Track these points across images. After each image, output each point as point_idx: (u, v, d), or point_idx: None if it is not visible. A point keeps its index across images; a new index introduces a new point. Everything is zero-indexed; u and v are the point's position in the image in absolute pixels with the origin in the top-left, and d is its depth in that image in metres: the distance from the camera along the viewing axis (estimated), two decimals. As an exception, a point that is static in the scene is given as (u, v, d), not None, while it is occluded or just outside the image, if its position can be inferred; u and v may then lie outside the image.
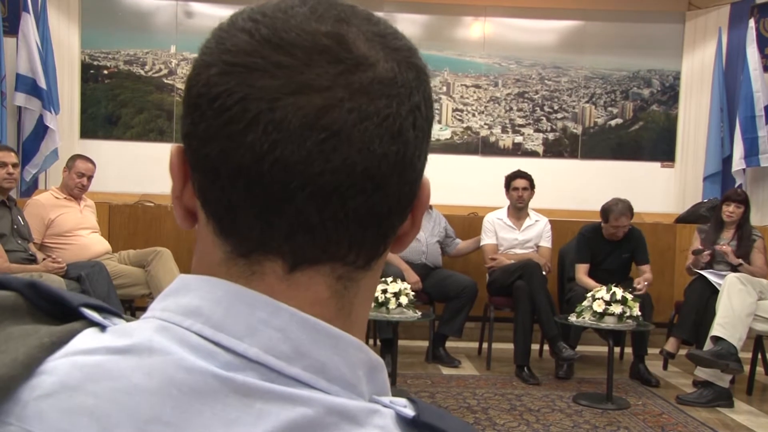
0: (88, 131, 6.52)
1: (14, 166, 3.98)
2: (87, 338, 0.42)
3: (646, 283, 4.36)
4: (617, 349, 4.70)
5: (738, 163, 5.95)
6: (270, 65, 0.41)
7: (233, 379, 0.39)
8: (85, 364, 0.40)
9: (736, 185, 5.83)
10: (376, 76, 0.42)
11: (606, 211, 4.48)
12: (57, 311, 0.45)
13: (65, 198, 4.30)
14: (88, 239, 4.26)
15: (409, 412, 0.42)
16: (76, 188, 4.29)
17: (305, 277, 0.43)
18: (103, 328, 0.43)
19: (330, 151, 0.40)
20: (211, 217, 0.44)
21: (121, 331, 0.42)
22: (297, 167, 0.41)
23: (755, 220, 5.56)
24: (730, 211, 4.48)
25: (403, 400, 0.43)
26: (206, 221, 0.45)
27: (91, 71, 6.55)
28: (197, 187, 0.44)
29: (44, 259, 3.98)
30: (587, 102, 6.92)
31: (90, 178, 4.35)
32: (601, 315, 3.80)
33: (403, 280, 3.97)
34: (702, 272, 4.41)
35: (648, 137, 6.94)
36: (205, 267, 0.45)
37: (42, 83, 5.55)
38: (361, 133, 0.41)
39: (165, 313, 0.42)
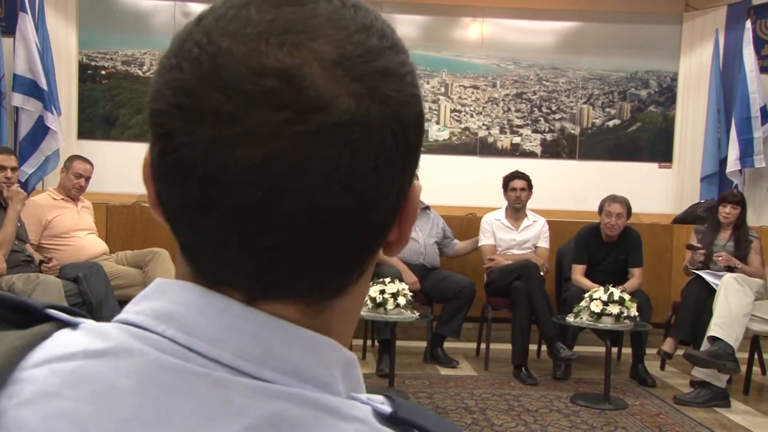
0: (85, 132, 6.52)
1: (13, 170, 3.97)
2: (62, 341, 0.41)
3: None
4: (615, 350, 4.71)
5: (733, 164, 5.96)
6: (208, 111, 0.38)
7: (211, 376, 0.39)
8: (62, 370, 0.39)
9: (732, 186, 5.85)
10: (327, 121, 0.37)
11: (602, 201, 4.52)
12: (21, 320, 0.44)
13: (63, 199, 4.29)
14: (85, 240, 4.26)
15: (387, 408, 0.42)
16: (73, 189, 4.29)
17: (268, 306, 0.42)
18: (74, 326, 0.43)
19: (271, 207, 0.38)
20: (175, 238, 0.44)
21: (96, 332, 0.42)
22: (236, 220, 0.39)
23: (752, 220, 5.57)
24: (726, 212, 4.50)
25: (380, 397, 0.43)
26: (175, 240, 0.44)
27: (89, 72, 6.54)
28: (161, 206, 0.44)
29: (41, 261, 3.98)
30: (585, 103, 6.93)
31: (88, 179, 4.35)
32: (599, 315, 3.81)
33: (401, 280, 3.97)
34: (699, 272, 4.42)
35: (645, 138, 6.95)
36: (180, 275, 0.45)
37: (43, 84, 5.54)
38: (305, 185, 0.38)
39: (139, 317, 0.42)
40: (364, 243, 0.42)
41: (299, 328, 0.42)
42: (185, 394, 0.38)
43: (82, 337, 0.41)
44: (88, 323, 0.43)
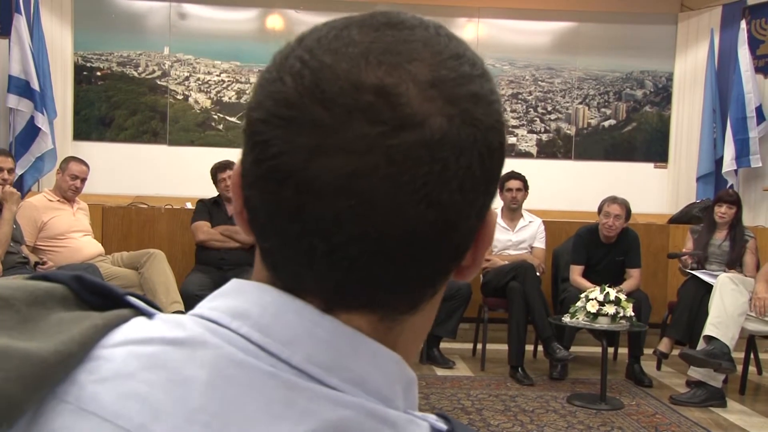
0: (81, 133, 6.51)
1: (9, 171, 3.96)
2: (140, 327, 0.44)
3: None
4: (611, 350, 4.72)
5: (729, 164, 5.98)
6: (308, 122, 0.39)
7: (279, 376, 0.40)
8: (141, 353, 0.41)
9: (728, 186, 5.86)
10: (420, 138, 0.39)
11: (602, 202, 4.54)
12: (102, 304, 0.46)
13: (58, 200, 4.28)
14: (80, 242, 4.25)
15: (443, 426, 0.43)
16: (69, 190, 4.28)
17: (344, 316, 0.43)
18: (149, 316, 0.45)
19: (360, 216, 0.39)
20: (257, 244, 0.45)
21: (173, 322, 0.43)
22: (325, 229, 0.40)
23: (747, 220, 5.58)
24: (722, 212, 4.51)
25: (433, 416, 0.44)
26: (257, 245, 0.46)
27: (84, 73, 6.53)
28: (247, 214, 0.45)
29: (36, 263, 3.97)
30: (581, 103, 6.94)
31: (83, 180, 4.34)
32: (595, 315, 3.81)
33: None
34: (694, 272, 4.43)
35: (641, 138, 6.96)
36: (257, 279, 0.46)
37: (35, 85, 5.52)
38: (393, 201, 0.39)
39: (214, 313, 0.43)
40: (442, 262, 0.44)
41: (370, 340, 0.43)
42: (253, 391, 0.39)
43: (160, 325, 0.44)
44: (163, 314, 0.46)
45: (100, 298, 0.47)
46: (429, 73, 0.40)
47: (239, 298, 0.43)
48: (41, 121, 5.56)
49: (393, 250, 0.41)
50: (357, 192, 0.39)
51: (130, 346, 0.42)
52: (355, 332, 0.42)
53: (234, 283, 0.45)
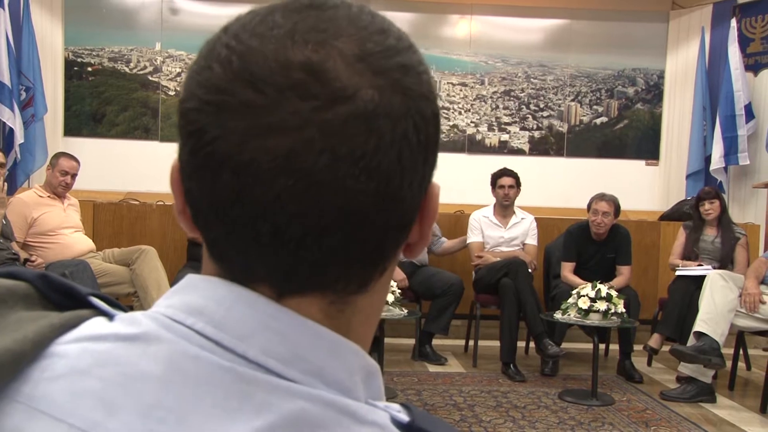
0: (72, 129, 6.47)
1: (0, 166, 3.94)
2: (96, 325, 0.43)
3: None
4: (602, 346, 4.74)
5: (718, 161, 6.01)
6: (240, 105, 0.39)
7: (236, 370, 0.40)
8: (94, 350, 0.41)
9: (717, 183, 5.90)
10: (353, 110, 0.39)
11: (590, 199, 4.55)
12: (66, 303, 0.46)
13: (49, 196, 4.26)
14: (71, 238, 4.23)
15: (404, 416, 0.43)
16: (59, 186, 4.26)
17: (294, 302, 0.43)
18: (110, 317, 0.45)
19: (300, 193, 0.39)
20: (203, 240, 0.45)
21: (129, 320, 0.43)
22: (267, 210, 0.40)
23: (737, 217, 5.62)
24: (705, 209, 4.55)
25: (396, 405, 0.44)
26: (203, 241, 0.45)
27: (75, 68, 6.50)
28: (189, 210, 0.45)
29: (26, 260, 3.95)
30: (573, 100, 6.95)
31: (74, 176, 4.32)
32: (586, 312, 3.83)
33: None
34: (683, 271, 4.46)
35: (633, 135, 6.99)
36: (207, 274, 0.46)
37: (5, 79, 5.39)
38: (333, 174, 0.39)
39: (169, 310, 0.43)
40: (388, 236, 0.43)
41: (326, 330, 0.43)
42: (210, 386, 0.39)
43: (116, 323, 0.43)
44: (122, 314, 0.45)
45: (64, 298, 0.46)
46: (356, 47, 0.40)
47: (194, 294, 0.43)
48: (7, 115, 5.42)
49: (337, 226, 0.40)
50: (295, 169, 0.39)
51: (84, 342, 0.41)
52: (312, 323, 0.42)
53: (188, 279, 0.45)
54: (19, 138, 5.50)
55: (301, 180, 0.39)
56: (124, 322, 0.43)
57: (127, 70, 6.56)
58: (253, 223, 0.40)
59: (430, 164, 0.44)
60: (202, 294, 0.43)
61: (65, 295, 0.46)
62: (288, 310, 0.42)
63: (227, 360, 0.40)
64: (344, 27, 0.41)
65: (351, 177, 0.40)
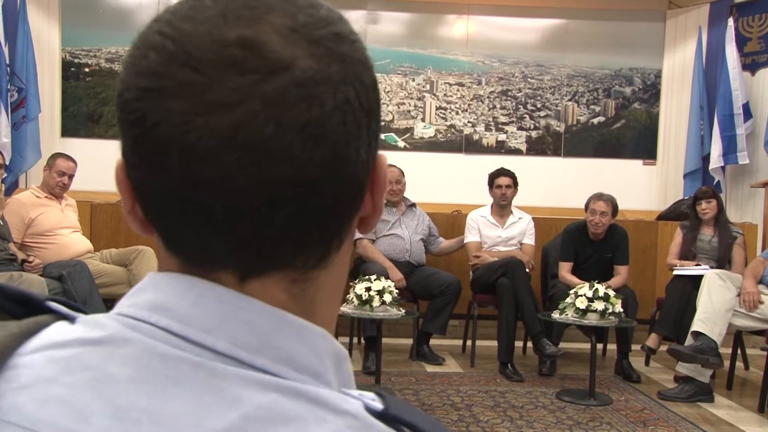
0: (69, 130, 6.46)
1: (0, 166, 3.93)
2: (59, 331, 0.42)
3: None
4: (600, 346, 4.74)
5: (716, 161, 6.02)
6: (179, 86, 0.39)
7: (206, 365, 0.39)
8: (60, 357, 0.40)
9: (714, 183, 5.91)
10: (293, 79, 0.40)
11: (588, 199, 4.56)
12: (23, 312, 0.45)
13: (46, 197, 4.25)
14: (69, 238, 4.23)
15: (378, 405, 0.42)
16: (57, 187, 4.25)
17: (258, 284, 0.43)
18: (71, 320, 0.44)
19: (248, 167, 0.39)
20: (158, 234, 0.45)
21: (92, 323, 0.42)
22: (218, 187, 0.40)
23: (734, 217, 5.63)
24: (703, 208, 4.56)
25: (371, 394, 0.43)
26: (157, 237, 0.45)
27: (72, 69, 6.49)
28: (139, 206, 0.45)
29: (23, 261, 3.95)
30: (570, 100, 6.96)
31: (71, 176, 4.31)
32: (584, 312, 3.83)
33: (387, 277, 3.97)
34: (681, 272, 4.46)
35: (630, 135, 6.99)
36: (166, 270, 0.45)
37: None
38: (279, 143, 0.39)
39: (132, 309, 0.42)
40: (341, 205, 0.44)
41: (292, 316, 0.43)
42: (180, 383, 0.39)
43: (79, 327, 0.42)
44: (84, 316, 0.44)
45: (21, 307, 0.45)
46: (288, 20, 0.41)
47: (156, 291, 0.43)
48: None
49: (289, 197, 0.41)
50: (241, 143, 0.39)
51: (49, 350, 0.41)
52: (277, 310, 0.42)
53: (150, 277, 0.44)
54: (4, 137, 5.46)
55: (248, 153, 0.39)
56: (88, 326, 0.42)
57: (124, 70, 6.54)
58: (206, 203, 0.40)
59: (374, 132, 0.45)
60: (164, 290, 0.43)
61: (21, 303, 0.45)
62: (252, 298, 0.42)
63: (196, 355, 0.40)
64: (274, 3, 0.42)
65: (298, 145, 0.40)
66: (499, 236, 4.84)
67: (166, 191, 0.41)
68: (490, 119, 6.92)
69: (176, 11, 0.42)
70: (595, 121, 6.98)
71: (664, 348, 4.30)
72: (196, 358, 0.40)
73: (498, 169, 4.88)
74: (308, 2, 0.43)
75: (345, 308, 3.73)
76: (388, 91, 6.78)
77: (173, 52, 0.40)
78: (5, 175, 5.46)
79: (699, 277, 4.21)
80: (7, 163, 5.54)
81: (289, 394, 0.39)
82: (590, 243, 4.60)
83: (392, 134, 6.77)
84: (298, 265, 0.44)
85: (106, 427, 0.37)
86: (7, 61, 5.56)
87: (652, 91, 6.97)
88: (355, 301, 3.71)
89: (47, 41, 6.28)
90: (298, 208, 0.41)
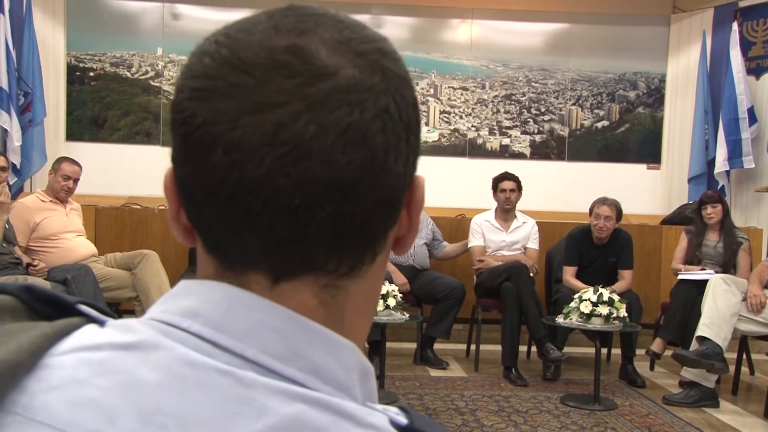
0: (74, 134, 6.48)
1: (2, 169, 3.94)
2: (90, 334, 0.43)
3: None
4: (604, 350, 4.73)
5: (721, 165, 6.00)
6: (228, 86, 0.41)
7: (234, 374, 0.40)
8: (91, 359, 0.41)
9: (719, 187, 5.89)
10: (336, 84, 0.41)
11: (593, 203, 4.55)
12: (53, 313, 0.46)
13: (51, 201, 4.27)
14: (73, 242, 4.23)
15: (403, 419, 0.43)
16: (61, 191, 4.26)
17: (289, 287, 0.44)
18: (101, 324, 0.45)
19: (289, 166, 0.41)
20: (198, 235, 0.46)
21: (124, 327, 0.43)
22: (259, 185, 0.41)
23: (739, 221, 5.61)
24: (708, 213, 4.55)
25: (395, 408, 0.44)
26: (198, 238, 0.46)
27: (77, 73, 6.51)
28: (183, 209, 0.46)
29: (28, 264, 3.95)
30: (574, 104, 6.95)
31: (76, 180, 4.32)
32: (588, 316, 3.82)
33: (391, 282, 3.97)
34: (685, 276, 4.45)
35: (634, 139, 6.98)
36: (204, 275, 0.46)
37: (3, 84, 5.42)
38: (320, 144, 0.41)
39: (164, 315, 0.43)
40: (377, 213, 0.44)
41: (322, 328, 0.43)
42: (208, 391, 0.39)
43: (110, 331, 0.43)
44: (114, 320, 0.45)
45: (50, 308, 0.46)
46: (336, 34, 0.43)
47: (189, 298, 0.44)
48: (4, 119, 5.45)
49: (327, 199, 0.42)
50: (283, 141, 0.41)
51: (80, 353, 0.41)
52: (308, 321, 0.43)
53: (183, 284, 0.45)
54: (15, 141, 5.50)
55: (289, 152, 0.41)
56: (119, 330, 0.43)
57: (128, 74, 6.57)
58: (245, 199, 0.41)
59: (413, 147, 0.46)
60: (196, 297, 0.43)
61: (51, 305, 0.46)
62: (284, 308, 0.43)
63: (225, 363, 0.40)
64: (324, 20, 0.44)
65: (338, 148, 0.41)
66: (503, 240, 4.84)
67: (209, 188, 0.42)
68: (494, 123, 6.92)
69: (233, 26, 0.45)
70: (599, 125, 6.97)
71: (668, 353, 4.28)
72: (225, 366, 0.40)
73: (502, 173, 4.88)
74: (355, 22, 0.46)
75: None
76: (392, 96, 6.77)
77: (226, 57, 0.42)
78: (15, 179, 5.50)
79: (704, 282, 4.20)
80: (19, 166, 5.59)
81: (315, 406, 0.40)
82: (594, 247, 4.59)
83: (396, 138, 6.76)
84: (330, 269, 0.44)
85: (133, 430, 0.38)
86: (15, 66, 5.59)
87: (656, 96, 6.96)
88: (372, 312, 3.70)
89: (52, 45, 6.30)
90: (334, 211, 0.42)
